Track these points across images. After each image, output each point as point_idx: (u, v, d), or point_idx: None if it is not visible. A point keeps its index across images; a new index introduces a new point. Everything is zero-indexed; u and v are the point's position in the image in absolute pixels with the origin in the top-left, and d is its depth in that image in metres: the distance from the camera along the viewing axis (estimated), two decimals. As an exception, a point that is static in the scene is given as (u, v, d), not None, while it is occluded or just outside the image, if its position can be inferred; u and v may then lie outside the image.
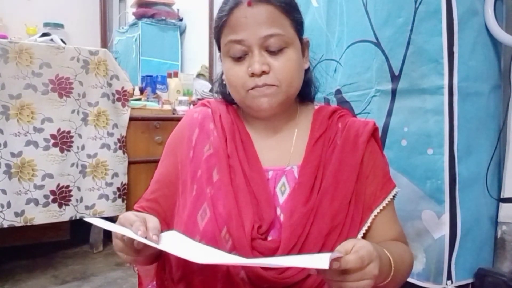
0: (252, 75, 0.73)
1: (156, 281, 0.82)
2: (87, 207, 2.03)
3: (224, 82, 0.83)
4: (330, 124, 0.81)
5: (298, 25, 0.78)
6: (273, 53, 0.74)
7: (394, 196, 0.80)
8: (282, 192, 0.76)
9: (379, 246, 0.64)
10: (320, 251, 0.69)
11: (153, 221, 0.65)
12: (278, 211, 0.74)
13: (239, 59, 0.75)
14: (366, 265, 0.55)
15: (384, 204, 0.77)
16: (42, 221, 1.89)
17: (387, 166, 0.83)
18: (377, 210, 0.76)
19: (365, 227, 0.75)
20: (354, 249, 0.56)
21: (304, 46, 0.81)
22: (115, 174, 2.09)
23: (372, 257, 0.56)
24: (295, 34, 0.77)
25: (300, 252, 0.69)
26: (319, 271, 0.56)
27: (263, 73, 0.73)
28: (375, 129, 0.82)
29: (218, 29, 0.78)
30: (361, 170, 0.77)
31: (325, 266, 0.51)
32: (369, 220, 0.75)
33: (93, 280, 1.84)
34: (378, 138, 0.83)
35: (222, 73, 0.83)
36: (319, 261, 0.52)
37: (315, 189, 0.74)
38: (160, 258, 0.80)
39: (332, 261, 0.53)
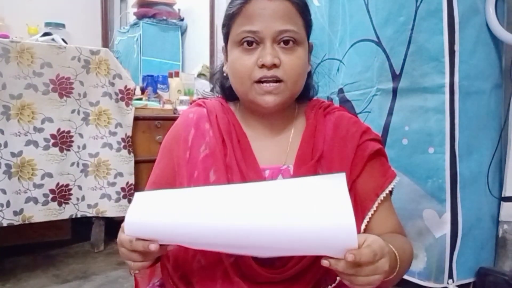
0: (262, 66, 0.73)
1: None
2: (89, 206, 2.02)
3: (224, 74, 0.82)
4: (319, 118, 0.81)
5: (308, 27, 0.79)
6: (284, 48, 0.74)
7: (391, 190, 0.79)
8: None
9: (385, 241, 0.64)
10: None
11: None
12: None
13: (249, 49, 0.74)
14: (378, 260, 0.56)
15: (383, 195, 0.76)
16: (41, 219, 1.88)
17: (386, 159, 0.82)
18: (378, 201, 0.75)
19: (368, 215, 0.74)
20: (366, 243, 0.56)
21: (310, 49, 0.81)
22: (119, 174, 2.07)
23: (383, 252, 0.57)
24: (305, 36, 0.77)
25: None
26: (331, 264, 0.56)
27: (274, 66, 0.73)
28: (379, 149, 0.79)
29: (231, 17, 0.76)
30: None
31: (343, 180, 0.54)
32: (374, 206, 0.74)
33: (94, 279, 1.84)
34: (382, 156, 0.80)
35: (222, 65, 0.82)
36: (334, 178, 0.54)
37: None
38: (158, 260, 0.80)
39: (347, 253, 0.54)
